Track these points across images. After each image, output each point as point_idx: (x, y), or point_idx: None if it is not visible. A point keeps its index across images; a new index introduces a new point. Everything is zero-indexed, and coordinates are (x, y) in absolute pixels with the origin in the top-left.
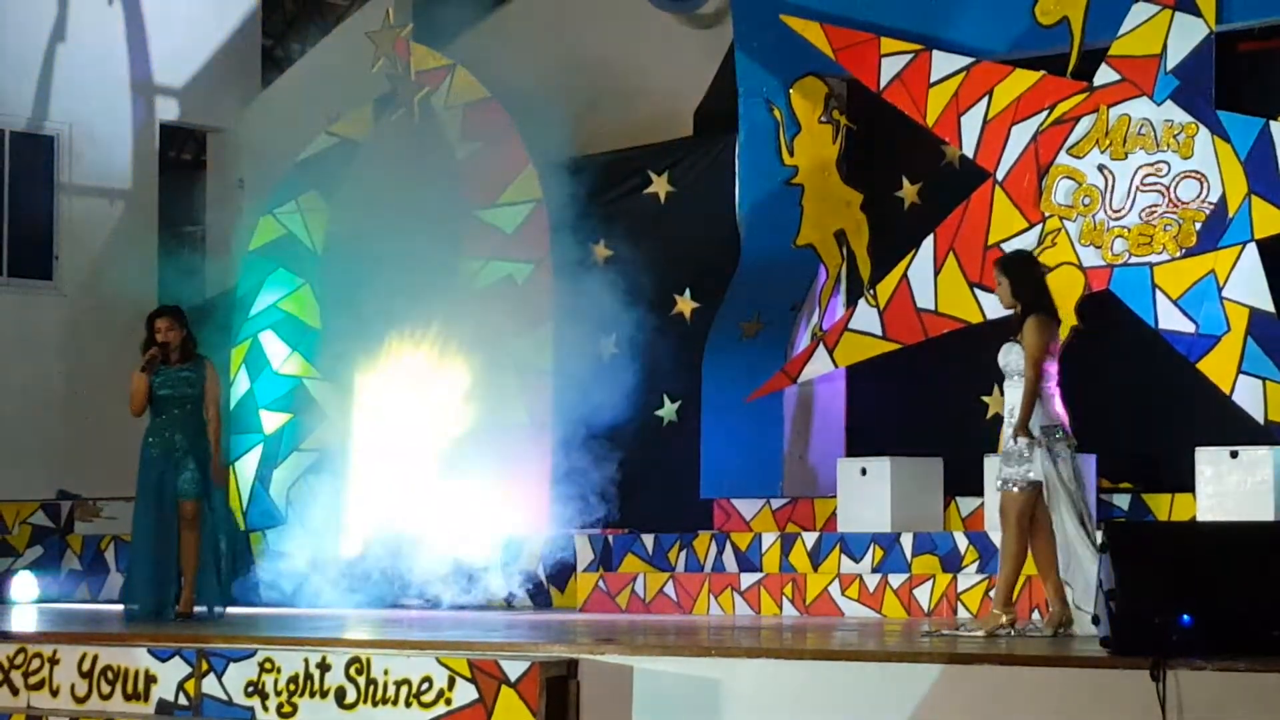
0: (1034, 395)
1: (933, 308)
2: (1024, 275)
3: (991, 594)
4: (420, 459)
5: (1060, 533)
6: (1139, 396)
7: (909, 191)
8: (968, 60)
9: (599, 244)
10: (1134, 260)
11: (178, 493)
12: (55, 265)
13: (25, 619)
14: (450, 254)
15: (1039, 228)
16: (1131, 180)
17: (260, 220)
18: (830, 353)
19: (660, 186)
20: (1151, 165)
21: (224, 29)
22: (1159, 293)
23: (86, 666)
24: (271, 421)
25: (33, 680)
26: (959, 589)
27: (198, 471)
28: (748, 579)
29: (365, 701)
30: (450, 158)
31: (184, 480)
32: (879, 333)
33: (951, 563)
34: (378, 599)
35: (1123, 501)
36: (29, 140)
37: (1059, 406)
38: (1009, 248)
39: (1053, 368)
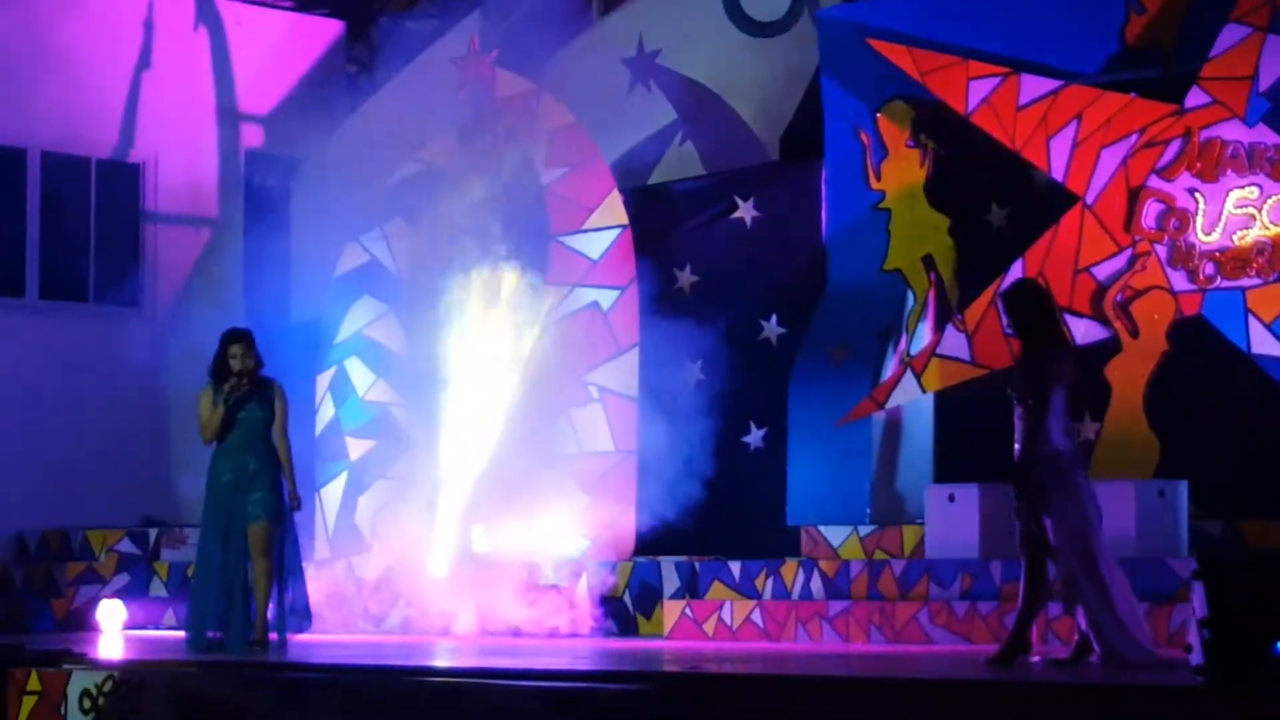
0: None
1: None
2: (1021, 306)
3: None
4: (506, 486)
5: (1077, 565)
6: (1232, 423)
7: (997, 215)
8: (1057, 83)
9: (685, 270)
10: (1226, 284)
11: (247, 517)
12: (141, 292)
13: (113, 646)
14: (536, 280)
15: (1129, 251)
16: (1222, 203)
17: (346, 247)
18: (918, 378)
19: (746, 212)
20: (1243, 188)
21: (309, 56)
22: (1252, 317)
23: (175, 694)
24: (357, 448)
25: (121, 709)
26: (1049, 616)
27: (268, 494)
28: (835, 607)
29: None
30: (535, 183)
31: (254, 503)
32: (967, 358)
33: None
34: (461, 625)
35: (1215, 529)
36: (115, 169)
37: (1062, 437)
38: (1099, 272)
39: (1059, 397)
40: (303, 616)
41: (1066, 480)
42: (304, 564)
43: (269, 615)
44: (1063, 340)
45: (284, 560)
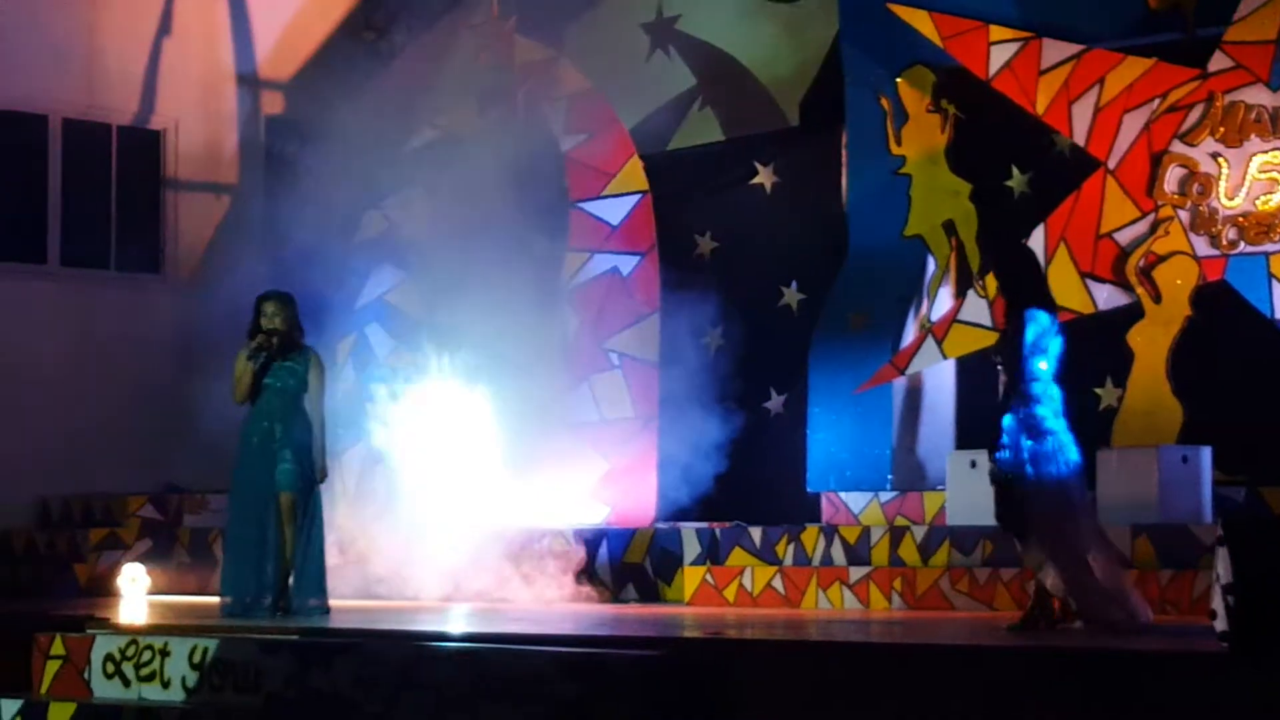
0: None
1: None
2: (1012, 270)
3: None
4: (525, 451)
5: (1041, 529)
6: (1255, 388)
7: (1019, 181)
8: (1078, 47)
9: (705, 236)
10: (1249, 249)
11: (275, 486)
12: (163, 259)
13: (136, 611)
14: (556, 246)
15: (1151, 216)
16: (1246, 168)
17: (365, 214)
18: (939, 344)
19: (766, 177)
20: (1266, 153)
21: (328, 22)
22: (1275, 282)
23: (197, 659)
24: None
25: (144, 672)
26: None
27: (294, 464)
28: (856, 572)
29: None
30: (555, 150)
31: (281, 473)
32: (989, 324)
33: None
34: (478, 592)
35: (1239, 495)
36: (136, 135)
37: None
38: (1121, 237)
39: (1043, 365)
40: (319, 594)
41: (1044, 449)
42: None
43: (300, 584)
44: (1049, 304)
45: (310, 531)
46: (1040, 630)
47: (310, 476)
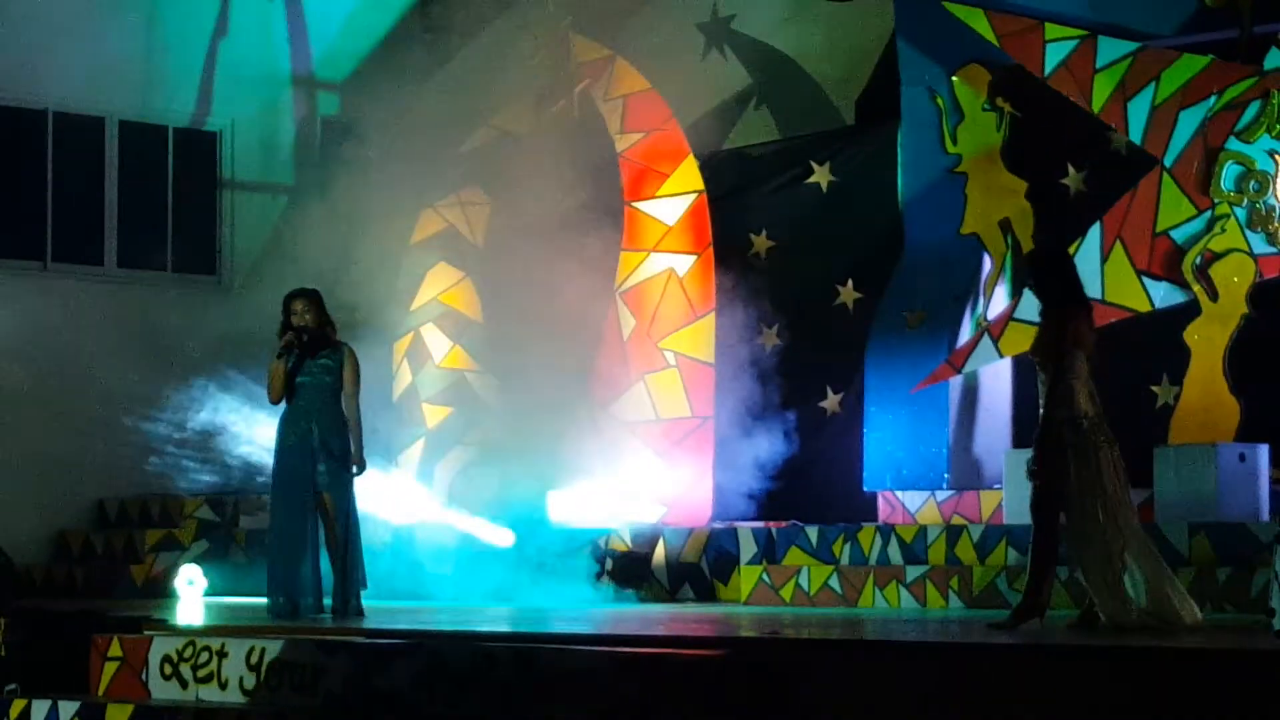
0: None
1: (1100, 297)
2: (1045, 267)
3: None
4: (582, 452)
5: (1078, 526)
6: None
7: (1074, 179)
8: (1134, 45)
9: (761, 234)
10: None
11: (318, 486)
12: (219, 260)
13: (193, 612)
14: (611, 246)
15: (1208, 214)
16: None
17: (422, 214)
18: (995, 343)
19: (822, 176)
20: None
21: (384, 22)
22: None
23: (255, 660)
24: (434, 416)
25: (201, 674)
26: None
27: (334, 463)
28: (913, 572)
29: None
30: (611, 149)
31: (321, 473)
32: None
33: None
34: (533, 593)
35: None
36: (192, 137)
37: (1084, 400)
38: (1178, 235)
39: (1080, 360)
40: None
41: (1085, 445)
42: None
43: (351, 583)
44: (1083, 302)
45: (350, 529)
46: (1025, 628)
47: (350, 475)
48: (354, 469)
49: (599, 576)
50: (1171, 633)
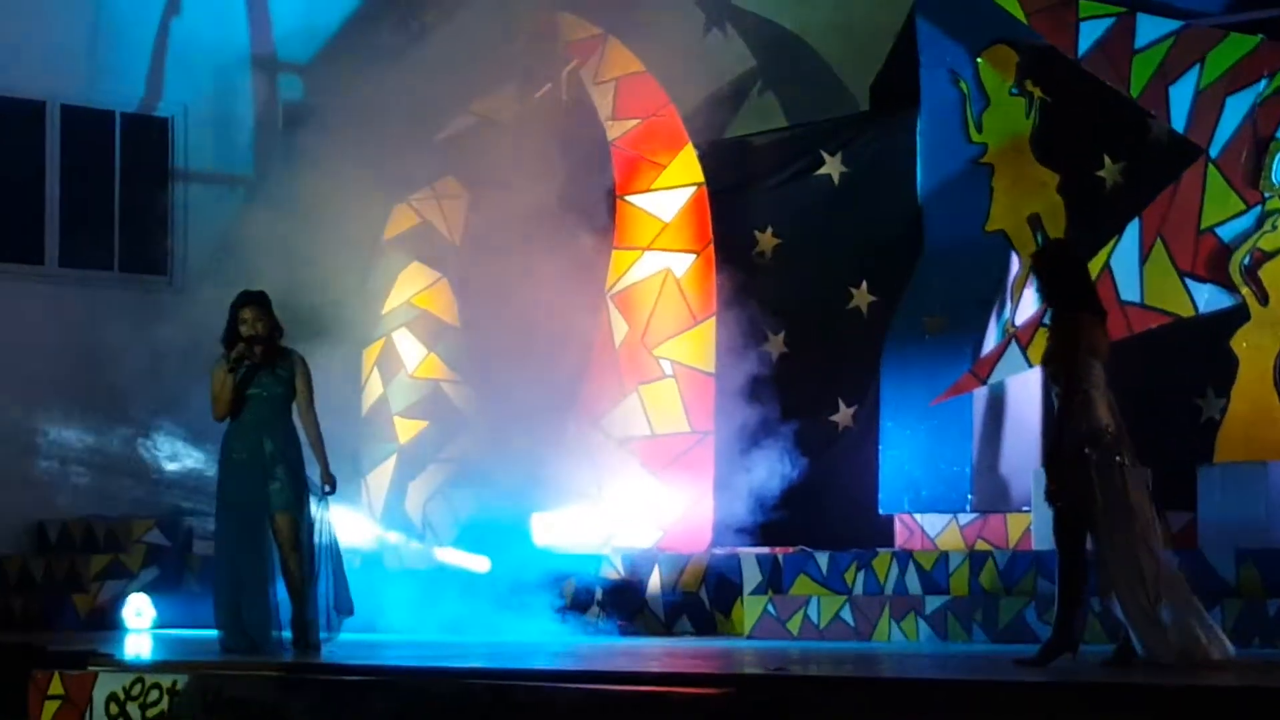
0: (1077, 403)
1: (1139, 300)
2: (1051, 269)
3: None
4: (570, 471)
5: (1108, 550)
6: None
7: (1111, 171)
8: (1177, 24)
9: (766, 231)
10: None
11: (271, 506)
12: (171, 259)
13: (142, 645)
14: (602, 244)
15: (1257, 210)
16: None
17: (394, 209)
18: (1024, 350)
19: (833, 168)
20: None
21: None
22: None
23: (210, 697)
24: (406, 430)
25: (151, 713)
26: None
27: (289, 481)
28: (933, 602)
29: None
30: (601, 137)
31: (274, 492)
32: None
33: None
34: (522, 624)
35: None
36: (142, 123)
37: (1104, 412)
38: (1224, 232)
39: (1097, 369)
40: (344, 611)
41: (1108, 461)
42: (340, 551)
43: (311, 613)
44: (1097, 307)
45: (321, 551)
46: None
47: (307, 494)
48: (325, 488)
49: (562, 610)
50: (1207, 670)
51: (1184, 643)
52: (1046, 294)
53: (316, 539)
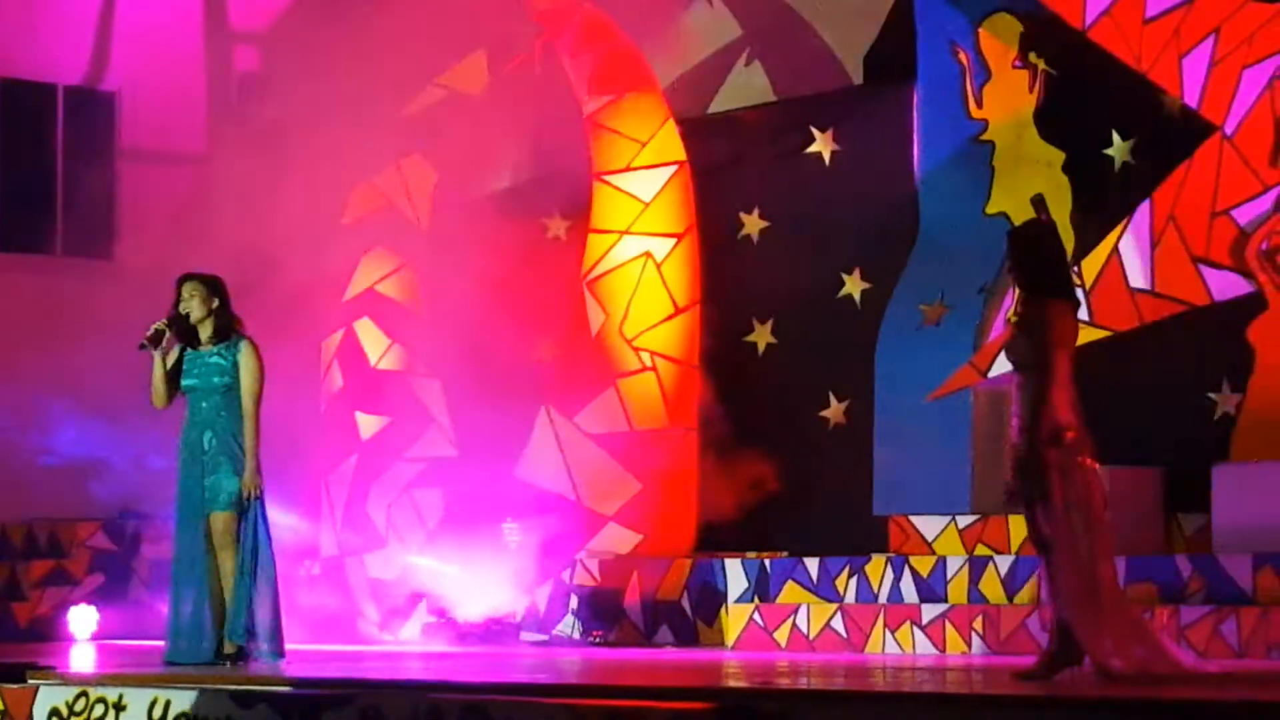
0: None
1: (1149, 287)
2: (1027, 252)
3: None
4: (541, 469)
5: (1065, 555)
6: None
7: (1120, 149)
8: None
9: (753, 213)
10: None
11: (205, 505)
12: (117, 242)
13: (86, 658)
14: (577, 226)
15: (1275, 190)
16: None
17: (356, 188)
18: None
19: (824, 145)
20: None
21: None
22: None
23: (158, 713)
24: (369, 426)
25: None
26: (1182, 622)
27: (232, 478)
28: (930, 611)
29: None
30: (577, 113)
31: (209, 487)
32: (1085, 317)
33: (1172, 591)
34: (489, 633)
35: None
36: (86, 97)
37: (1067, 409)
38: (1240, 215)
39: (1065, 362)
40: (270, 642)
41: (1071, 462)
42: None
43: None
44: (1071, 294)
45: (251, 558)
46: (1059, 679)
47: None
48: (247, 493)
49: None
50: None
51: (1130, 654)
52: (1017, 277)
53: (252, 544)
